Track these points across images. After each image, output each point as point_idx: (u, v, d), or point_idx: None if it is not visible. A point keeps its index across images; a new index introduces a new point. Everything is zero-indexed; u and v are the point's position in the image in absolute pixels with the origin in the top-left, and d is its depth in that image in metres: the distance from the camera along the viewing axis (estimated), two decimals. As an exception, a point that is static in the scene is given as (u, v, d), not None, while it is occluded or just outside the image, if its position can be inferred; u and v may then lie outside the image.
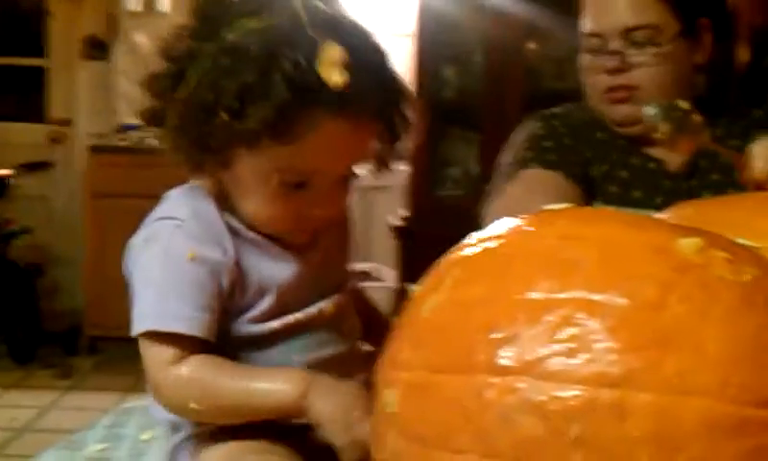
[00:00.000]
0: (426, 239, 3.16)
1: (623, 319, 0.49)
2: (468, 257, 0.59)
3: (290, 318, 0.86)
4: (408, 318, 0.60)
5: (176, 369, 0.79)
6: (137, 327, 0.81)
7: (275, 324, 0.85)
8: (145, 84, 0.84)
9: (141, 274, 0.83)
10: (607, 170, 1.25)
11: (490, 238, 0.60)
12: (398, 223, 3.11)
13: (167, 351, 0.80)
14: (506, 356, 0.51)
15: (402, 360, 0.57)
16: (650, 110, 0.96)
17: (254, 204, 0.83)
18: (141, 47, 4.18)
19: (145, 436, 1.10)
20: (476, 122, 3.16)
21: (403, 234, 3.11)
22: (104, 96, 4.18)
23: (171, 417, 0.86)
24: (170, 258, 0.81)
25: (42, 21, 4.17)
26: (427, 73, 3.05)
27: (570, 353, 0.49)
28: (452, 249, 0.62)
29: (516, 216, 1.19)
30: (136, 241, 0.85)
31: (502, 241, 0.58)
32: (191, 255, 0.81)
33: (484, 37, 3.13)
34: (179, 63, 0.81)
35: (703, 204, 0.84)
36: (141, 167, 3.86)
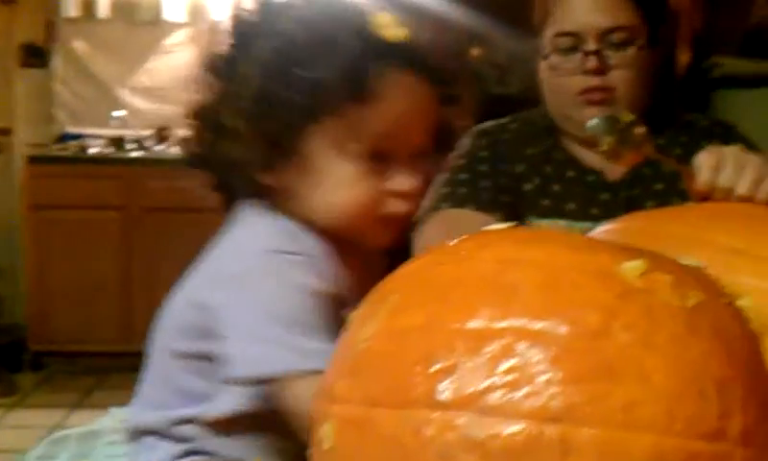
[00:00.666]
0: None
1: (565, 348, 0.47)
2: (405, 282, 0.56)
3: None
4: (344, 346, 0.57)
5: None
6: (271, 370, 0.73)
7: None
8: (192, 105, 0.82)
9: (266, 312, 0.75)
10: (539, 184, 1.24)
11: (427, 261, 0.57)
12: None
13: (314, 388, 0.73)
14: (445, 390, 0.48)
15: (338, 392, 0.54)
16: (592, 123, 0.95)
17: (333, 190, 0.79)
18: (80, 54, 4.08)
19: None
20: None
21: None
22: (43, 105, 4.07)
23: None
24: (294, 292, 0.75)
25: (-23, 28, 4.05)
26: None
27: (511, 386, 0.47)
28: (393, 272, 0.59)
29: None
30: (235, 271, 0.79)
31: (440, 264, 0.56)
32: (313, 290, 0.76)
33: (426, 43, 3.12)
34: (233, 66, 0.79)
35: (647, 216, 0.83)
36: (82, 177, 3.79)
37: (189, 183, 0.85)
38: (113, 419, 1.08)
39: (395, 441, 0.49)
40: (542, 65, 1.25)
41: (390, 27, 0.78)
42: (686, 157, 0.97)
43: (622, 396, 0.45)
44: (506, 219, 1.17)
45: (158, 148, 3.89)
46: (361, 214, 0.80)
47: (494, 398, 0.46)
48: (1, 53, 4.03)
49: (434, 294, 0.53)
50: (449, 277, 0.54)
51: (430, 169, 0.84)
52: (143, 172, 3.73)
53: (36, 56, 4.05)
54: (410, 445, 0.48)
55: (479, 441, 0.46)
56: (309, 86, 0.75)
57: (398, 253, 0.83)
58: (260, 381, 0.75)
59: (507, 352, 0.48)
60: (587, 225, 1.20)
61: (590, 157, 1.24)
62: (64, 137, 4.03)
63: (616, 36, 1.18)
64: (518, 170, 1.25)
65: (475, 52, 3.13)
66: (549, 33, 1.22)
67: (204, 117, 0.82)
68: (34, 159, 3.80)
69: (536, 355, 0.47)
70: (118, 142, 3.94)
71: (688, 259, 0.57)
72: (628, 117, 0.95)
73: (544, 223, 1.22)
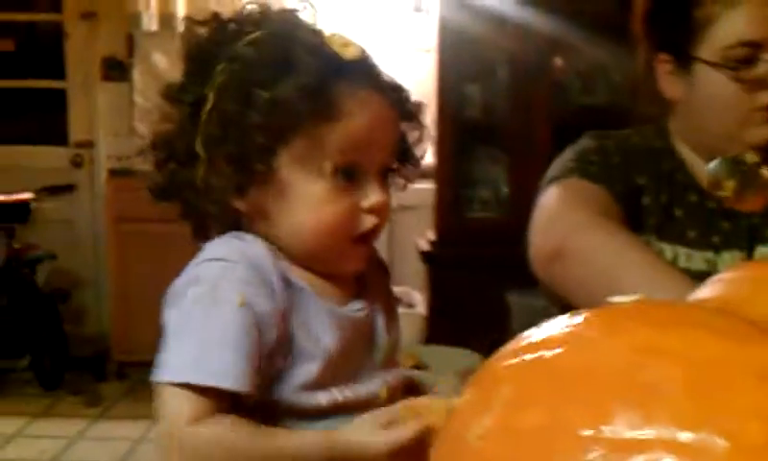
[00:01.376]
0: (455, 263, 3.09)
1: (724, 468, 0.40)
2: (519, 370, 0.49)
3: (338, 396, 0.80)
4: (452, 441, 0.51)
5: (201, 427, 0.72)
6: (170, 377, 0.74)
7: (321, 399, 0.79)
8: (159, 125, 0.84)
9: (182, 319, 0.77)
10: (663, 204, 1.16)
11: (544, 343, 0.50)
12: (425, 246, 3.02)
13: (195, 407, 0.73)
14: (577, 512, 0.41)
15: (446, 496, 0.48)
16: (712, 166, 0.86)
17: (304, 210, 0.79)
18: (159, 67, 4.13)
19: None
20: (503, 141, 3.07)
21: (431, 258, 3.02)
22: (124, 117, 4.14)
23: None
24: (217, 304, 0.75)
25: (61, 43, 4.14)
26: (450, 90, 2.96)
27: (660, 514, 0.39)
28: (499, 353, 0.53)
29: (554, 232, 1.15)
30: (178, 284, 0.80)
31: (560, 350, 0.49)
32: (240, 302, 0.75)
33: (508, 53, 3.03)
34: (192, 94, 0.80)
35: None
36: (163, 190, 3.82)
37: None
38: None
39: None
40: (699, 75, 1.13)
41: (345, 45, 0.79)
42: None
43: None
44: (625, 223, 1.10)
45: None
46: (333, 233, 0.81)
47: (639, 527, 0.39)
48: (83, 66, 4.12)
49: (554, 388, 0.46)
50: (572, 367, 0.47)
51: (393, 184, 0.87)
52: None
53: (116, 69, 4.12)
54: None
55: None
56: (270, 106, 0.76)
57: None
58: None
59: (652, 470, 0.40)
60: (708, 254, 1.12)
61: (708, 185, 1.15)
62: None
63: None
64: (641, 182, 1.17)
65: (557, 61, 3.03)
66: (715, 43, 1.11)
67: (167, 147, 0.83)
68: (116, 172, 3.87)
69: (689, 476, 0.40)
70: (198, 154, 3.97)
71: None
72: (752, 159, 0.86)
73: (665, 246, 1.14)
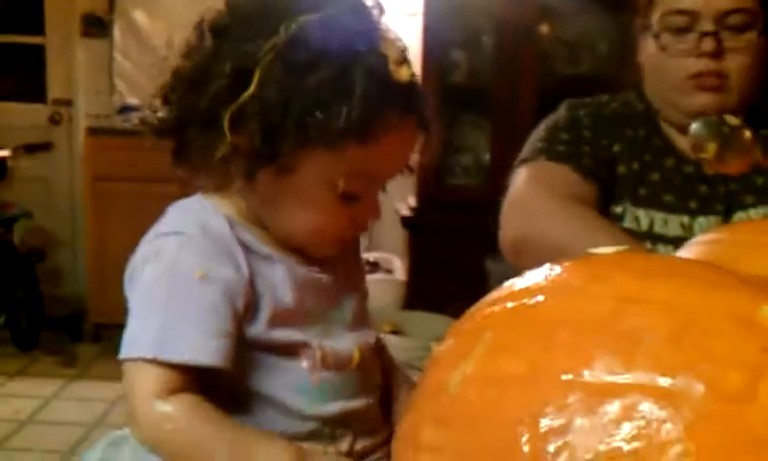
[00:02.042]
0: (435, 229, 3.09)
1: (701, 414, 0.40)
2: (501, 318, 0.49)
3: (312, 340, 0.79)
4: (431, 388, 0.51)
5: (163, 405, 0.71)
6: (133, 351, 0.72)
7: (295, 336, 0.78)
8: (170, 87, 0.79)
9: (142, 295, 0.75)
10: (637, 170, 1.16)
11: (526, 292, 0.50)
12: (406, 212, 3.02)
13: (159, 381, 0.71)
14: (556, 454, 0.41)
15: (425, 441, 0.48)
16: (695, 127, 0.86)
17: (306, 214, 0.77)
18: (140, 24, 4.07)
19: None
20: (487, 108, 3.04)
21: (411, 224, 3.01)
22: (103, 75, 4.08)
23: None
24: (176, 277, 0.73)
25: (40, -2, 4.06)
26: (435, 55, 2.93)
27: (636, 457, 0.40)
28: (481, 302, 0.52)
29: (517, 221, 1.15)
30: (136, 260, 0.77)
31: (542, 298, 0.48)
32: (200, 274, 0.73)
33: (494, 19, 3.01)
34: (231, 61, 0.74)
35: (754, 228, 0.74)
36: (142, 150, 3.75)
37: None
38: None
39: (494, 507, 0.42)
40: (647, 45, 1.15)
41: (399, 64, 0.76)
42: None
43: (776, 479, 0.38)
44: (600, 195, 1.11)
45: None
46: (324, 238, 0.80)
47: (616, 469, 0.40)
48: (62, 23, 4.05)
49: (537, 336, 0.46)
50: (555, 316, 0.47)
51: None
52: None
53: (96, 25, 4.06)
54: (513, 515, 0.41)
55: (598, 520, 0.39)
56: (313, 120, 0.73)
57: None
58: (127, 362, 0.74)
59: (630, 414, 0.41)
60: (684, 218, 1.13)
61: (688, 147, 1.15)
62: (125, 109, 4.03)
63: (735, 19, 1.09)
64: (615, 150, 1.18)
65: (544, 29, 3.01)
66: (659, 10, 1.12)
67: (188, 106, 0.77)
68: (94, 131, 3.81)
69: (666, 421, 0.40)
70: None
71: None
72: (734, 121, 0.86)
73: (641, 212, 1.15)
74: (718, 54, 1.09)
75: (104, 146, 3.74)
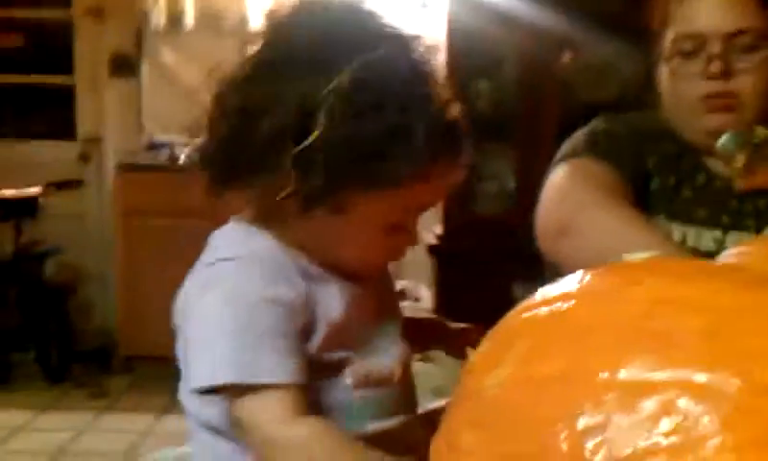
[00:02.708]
0: (462, 256, 3.09)
1: (738, 407, 0.40)
2: (535, 323, 0.50)
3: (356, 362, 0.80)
4: (467, 393, 0.51)
5: (296, 427, 0.71)
6: (217, 378, 0.72)
7: (340, 356, 0.79)
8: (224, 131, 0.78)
9: (206, 322, 0.74)
10: (672, 185, 1.17)
11: (559, 298, 0.51)
12: (433, 240, 3.03)
13: (278, 406, 0.71)
14: (595, 451, 0.42)
15: (464, 445, 0.49)
16: (725, 140, 0.87)
17: (354, 248, 0.79)
18: (167, 65, 4.15)
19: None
20: (511, 136, 3.06)
21: (438, 252, 3.02)
22: (132, 114, 4.15)
23: None
24: (240, 301, 0.73)
25: (70, 39, 4.16)
26: (458, 85, 2.95)
27: (674, 452, 0.40)
28: (515, 309, 0.53)
29: (562, 209, 1.16)
30: (188, 289, 0.78)
31: (574, 303, 0.49)
32: (263, 296, 0.74)
33: (517, 48, 3.04)
34: (292, 100, 0.74)
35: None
36: (171, 185, 3.83)
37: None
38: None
39: (534, 506, 0.43)
40: (662, 70, 1.17)
41: (449, 102, 0.77)
42: None
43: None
44: (634, 203, 1.11)
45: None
46: (365, 264, 0.81)
47: (655, 463, 0.40)
48: (92, 64, 4.13)
49: (571, 338, 0.47)
50: (588, 320, 0.47)
51: None
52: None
53: (125, 66, 4.14)
54: (553, 512, 0.42)
55: (638, 514, 0.40)
56: (385, 169, 0.74)
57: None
58: (209, 392, 0.74)
59: (668, 410, 0.41)
60: (716, 233, 1.13)
61: (717, 164, 1.16)
62: (153, 146, 4.10)
63: (743, 40, 1.10)
64: (650, 164, 1.18)
65: (566, 57, 3.03)
66: (670, 35, 1.14)
67: (242, 142, 0.76)
68: (123, 167, 3.87)
69: (704, 415, 0.40)
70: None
71: None
72: (762, 133, 0.87)
73: (674, 226, 1.15)
74: (727, 75, 1.09)
75: (133, 182, 3.80)
